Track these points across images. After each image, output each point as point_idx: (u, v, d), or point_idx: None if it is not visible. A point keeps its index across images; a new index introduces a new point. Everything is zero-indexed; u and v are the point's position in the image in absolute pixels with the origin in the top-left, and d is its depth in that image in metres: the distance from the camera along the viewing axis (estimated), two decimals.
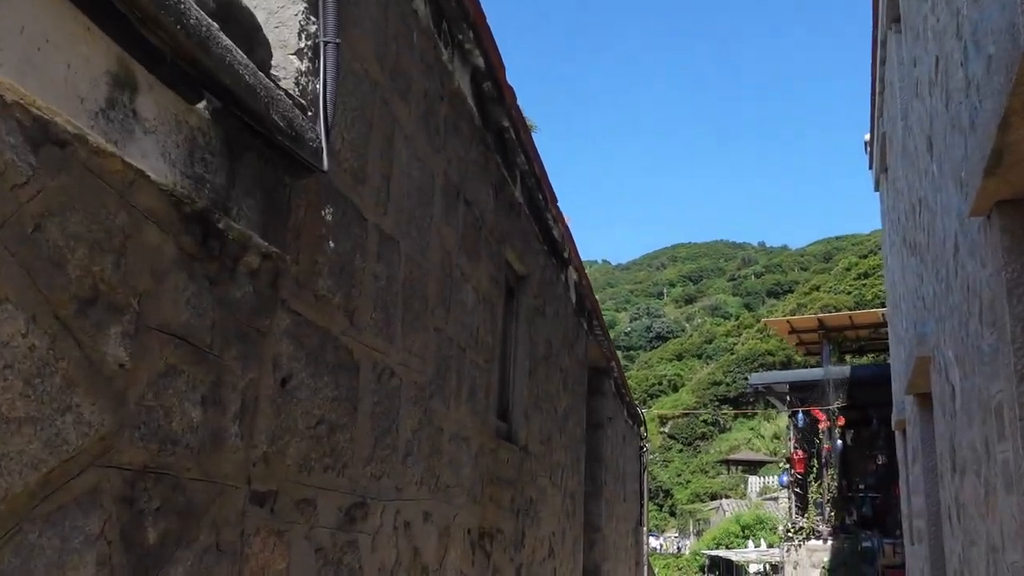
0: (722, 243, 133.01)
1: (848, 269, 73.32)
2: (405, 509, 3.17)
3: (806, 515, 15.95)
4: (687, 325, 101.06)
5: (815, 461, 16.09)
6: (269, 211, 2.19)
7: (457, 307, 3.86)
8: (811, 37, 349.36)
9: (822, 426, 15.84)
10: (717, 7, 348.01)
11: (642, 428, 15.56)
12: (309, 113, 2.33)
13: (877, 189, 13.76)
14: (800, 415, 16.05)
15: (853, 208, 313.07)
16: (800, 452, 16.16)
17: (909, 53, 6.01)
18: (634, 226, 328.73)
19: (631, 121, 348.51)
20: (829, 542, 15.74)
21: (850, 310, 30.44)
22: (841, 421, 15.84)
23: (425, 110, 3.42)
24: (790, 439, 16.62)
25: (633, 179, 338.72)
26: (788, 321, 22.00)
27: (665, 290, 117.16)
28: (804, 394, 16.27)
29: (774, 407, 24.98)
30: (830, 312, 30.50)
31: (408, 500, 3.21)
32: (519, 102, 4.55)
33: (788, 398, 16.59)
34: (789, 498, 16.73)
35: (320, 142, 2.29)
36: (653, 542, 64.46)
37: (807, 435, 16.26)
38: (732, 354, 76.14)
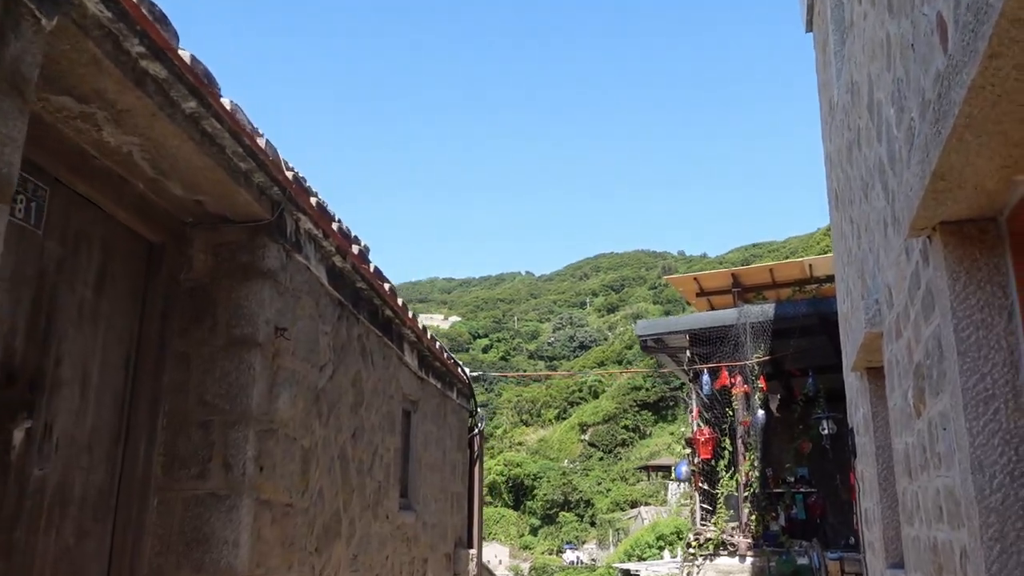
0: (643, 252, 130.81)
1: None
2: None
3: (714, 520, 10.46)
4: (609, 333, 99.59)
5: (727, 442, 10.67)
6: None
7: None
8: (735, 37, 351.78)
9: (736, 391, 10.44)
10: (637, 20, 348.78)
11: (472, 401, 9.92)
12: None
13: (809, 29, 9.24)
14: (705, 377, 10.64)
15: (769, 218, 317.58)
16: (706, 431, 10.71)
17: None
18: (556, 237, 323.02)
19: (554, 131, 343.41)
20: (748, 560, 10.32)
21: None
22: (764, 384, 10.49)
23: None
24: (691, 412, 11.16)
25: (553, 191, 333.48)
26: (695, 278, 17.12)
27: (588, 300, 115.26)
28: (710, 348, 10.86)
29: (677, 392, 19.75)
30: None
31: None
32: None
33: (688, 354, 11.20)
34: (692, 497, 11.25)
35: None
36: (571, 555, 59.39)
37: (715, 407, 10.86)
38: (652, 358, 72.84)
